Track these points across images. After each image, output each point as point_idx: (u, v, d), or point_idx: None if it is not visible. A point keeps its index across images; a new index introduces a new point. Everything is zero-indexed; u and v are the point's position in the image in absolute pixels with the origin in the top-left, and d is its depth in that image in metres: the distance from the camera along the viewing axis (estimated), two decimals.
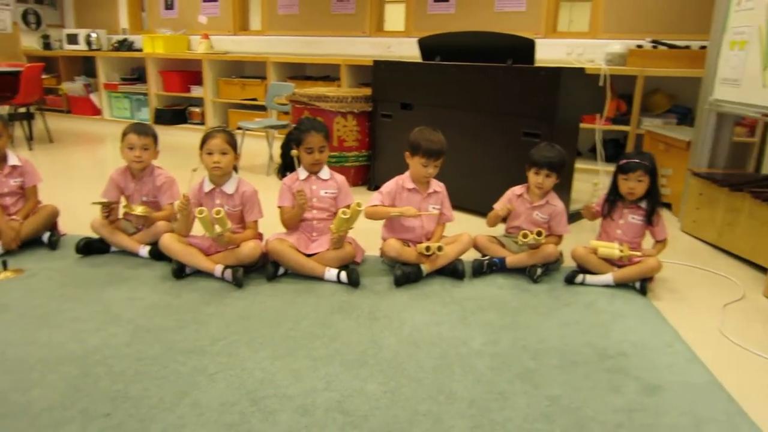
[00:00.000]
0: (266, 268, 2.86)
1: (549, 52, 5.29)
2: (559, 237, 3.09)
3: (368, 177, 4.77)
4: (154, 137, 3.16)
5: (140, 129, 3.12)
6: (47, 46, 8.38)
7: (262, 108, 6.58)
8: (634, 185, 2.85)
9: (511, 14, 5.77)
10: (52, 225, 3.27)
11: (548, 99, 3.54)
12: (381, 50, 6.45)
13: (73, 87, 8.18)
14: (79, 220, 3.23)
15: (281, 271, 2.88)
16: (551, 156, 2.94)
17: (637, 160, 2.85)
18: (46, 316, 2.43)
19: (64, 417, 1.78)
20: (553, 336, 2.36)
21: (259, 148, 6.04)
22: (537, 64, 3.81)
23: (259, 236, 3.00)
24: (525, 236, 2.87)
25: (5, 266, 2.86)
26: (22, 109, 6.26)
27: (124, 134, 3.11)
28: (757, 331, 2.48)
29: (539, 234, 2.86)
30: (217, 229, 2.71)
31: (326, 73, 6.71)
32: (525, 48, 3.78)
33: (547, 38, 5.57)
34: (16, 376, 1.99)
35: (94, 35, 7.89)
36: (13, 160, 3.20)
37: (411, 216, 2.91)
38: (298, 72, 6.83)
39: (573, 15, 7.31)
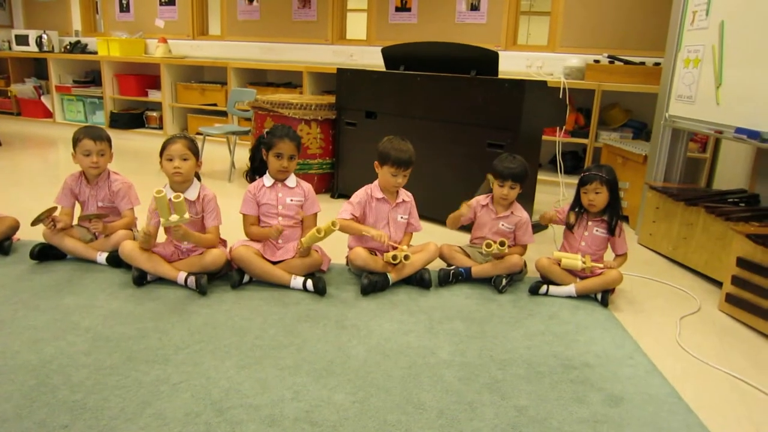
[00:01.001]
0: (231, 275, 2.81)
1: (509, 64, 5.37)
2: (524, 247, 3.12)
3: (332, 185, 4.74)
4: (109, 141, 3.05)
5: (95, 134, 2.98)
6: None
7: (223, 114, 6.50)
8: (593, 197, 2.90)
9: (472, 26, 5.85)
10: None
11: (513, 111, 3.58)
12: (343, 58, 6.45)
13: (23, 89, 7.92)
14: (30, 225, 3.08)
15: (246, 278, 2.83)
16: (514, 167, 2.97)
17: (593, 172, 2.90)
18: None
19: (19, 428, 1.71)
20: (520, 346, 2.38)
21: (220, 154, 5.95)
22: (499, 76, 3.86)
23: (223, 243, 2.95)
24: (488, 246, 2.88)
25: None
26: None
27: (77, 139, 2.97)
28: (713, 343, 2.54)
29: (502, 244, 2.88)
30: (174, 217, 2.56)
31: (288, 80, 6.68)
32: (489, 60, 3.82)
33: (507, 50, 5.66)
34: None
35: (45, 36, 7.65)
36: None
37: (382, 243, 2.87)
38: (259, 78, 6.77)
39: (531, 29, 7.45)
